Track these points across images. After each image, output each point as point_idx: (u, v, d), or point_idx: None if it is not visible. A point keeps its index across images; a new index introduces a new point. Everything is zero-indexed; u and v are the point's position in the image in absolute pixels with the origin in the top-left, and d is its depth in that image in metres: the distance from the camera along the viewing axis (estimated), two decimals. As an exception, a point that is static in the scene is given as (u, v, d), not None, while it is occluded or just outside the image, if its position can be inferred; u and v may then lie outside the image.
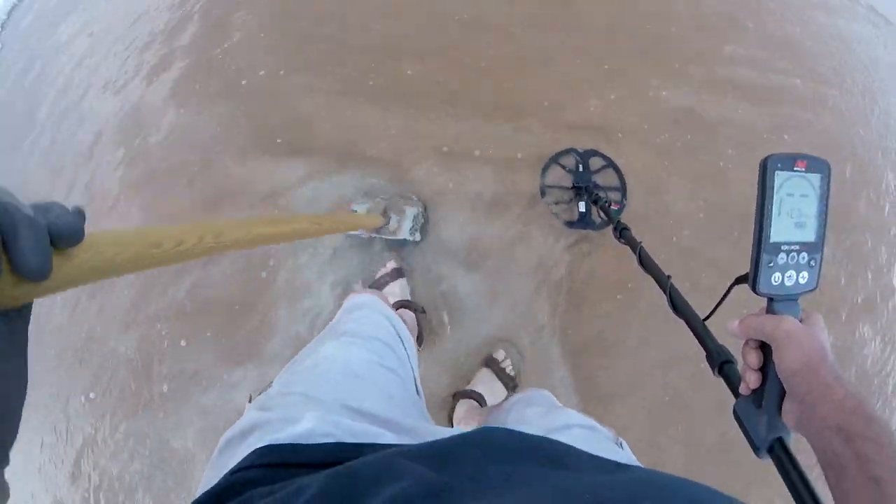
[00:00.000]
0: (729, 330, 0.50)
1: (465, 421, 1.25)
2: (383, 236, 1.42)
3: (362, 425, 0.46)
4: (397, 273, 1.42)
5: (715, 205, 1.55)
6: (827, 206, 0.46)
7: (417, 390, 0.74)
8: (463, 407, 1.31)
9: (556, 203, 1.51)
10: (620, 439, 0.65)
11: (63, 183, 1.76)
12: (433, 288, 1.44)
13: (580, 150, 1.56)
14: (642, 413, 1.38)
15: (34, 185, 1.83)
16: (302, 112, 1.60)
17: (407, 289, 1.43)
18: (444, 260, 1.46)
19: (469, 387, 1.35)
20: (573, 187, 1.51)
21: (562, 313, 1.43)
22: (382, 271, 1.42)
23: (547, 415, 0.76)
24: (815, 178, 0.45)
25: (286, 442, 0.42)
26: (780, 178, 0.45)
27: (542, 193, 1.51)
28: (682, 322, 0.72)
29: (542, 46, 1.70)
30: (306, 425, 0.44)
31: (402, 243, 1.46)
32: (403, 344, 0.77)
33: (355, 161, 1.54)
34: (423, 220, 1.46)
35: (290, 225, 0.70)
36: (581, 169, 1.53)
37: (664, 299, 0.76)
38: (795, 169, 0.45)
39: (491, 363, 1.37)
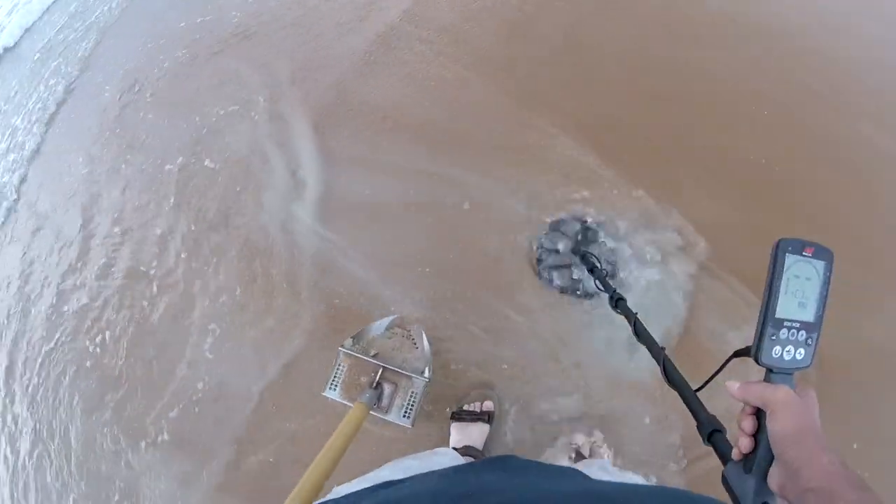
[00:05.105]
0: (728, 390, 0.53)
1: None
2: (373, 412, 1.24)
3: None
4: (487, 417, 1.39)
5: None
6: (827, 291, 0.51)
7: None
8: None
9: (553, 267, 1.57)
10: None
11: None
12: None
13: (583, 220, 1.63)
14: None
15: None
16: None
17: (485, 436, 1.39)
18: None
19: None
20: (572, 252, 1.57)
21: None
22: (475, 405, 1.40)
23: (606, 474, 0.83)
24: (820, 265, 0.51)
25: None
26: (789, 259, 0.50)
27: (539, 259, 1.57)
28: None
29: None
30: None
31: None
32: None
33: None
34: (418, 402, 1.29)
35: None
36: (580, 238, 1.60)
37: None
38: (804, 254, 0.50)
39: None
